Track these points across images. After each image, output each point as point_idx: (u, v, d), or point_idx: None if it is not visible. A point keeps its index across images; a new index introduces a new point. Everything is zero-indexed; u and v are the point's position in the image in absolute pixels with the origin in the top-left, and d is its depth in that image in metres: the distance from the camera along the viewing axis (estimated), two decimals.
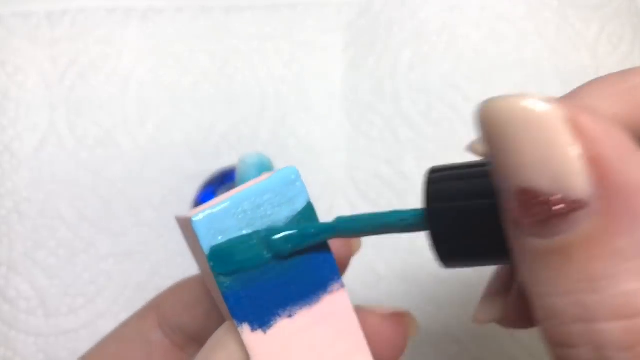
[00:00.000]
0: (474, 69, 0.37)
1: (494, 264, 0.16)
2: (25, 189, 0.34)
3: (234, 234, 0.17)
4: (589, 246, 0.12)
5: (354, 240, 0.21)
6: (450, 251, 0.16)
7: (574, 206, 0.12)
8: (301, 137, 0.36)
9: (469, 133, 0.36)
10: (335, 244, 0.18)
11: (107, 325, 0.33)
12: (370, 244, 0.35)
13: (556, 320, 0.13)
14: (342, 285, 0.18)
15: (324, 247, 0.18)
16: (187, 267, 0.34)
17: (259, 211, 0.17)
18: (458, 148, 0.36)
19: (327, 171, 0.36)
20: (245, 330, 0.17)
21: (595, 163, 0.12)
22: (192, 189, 0.35)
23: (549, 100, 0.12)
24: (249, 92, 0.37)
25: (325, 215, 0.35)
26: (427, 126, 0.36)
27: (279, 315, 0.17)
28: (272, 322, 0.17)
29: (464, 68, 0.37)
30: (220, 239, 0.17)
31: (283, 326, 0.17)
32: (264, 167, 0.31)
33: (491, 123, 0.12)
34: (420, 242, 0.35)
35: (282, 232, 0.17)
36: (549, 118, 0.12)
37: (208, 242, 0.16)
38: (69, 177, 0.35)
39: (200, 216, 0.16)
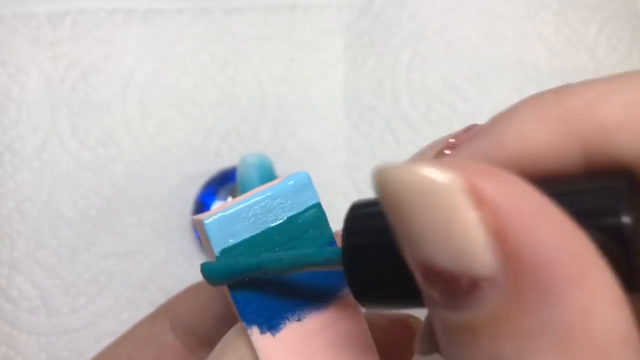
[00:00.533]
0: (474, 70, 0.37)
1: (415, 307, 0.15)
2: (26, 189, 0.34)
3: (245, 237, 0.17)
4: (495, 325, 0.11)
5: None
6: (364, 291, 0.15)
7: (477, 284, 0.11)
8: (301, 137, 0.36)
9: None
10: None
11: (109, 325, 0.33)
12: None
13: None
14: None
15: (333, 251, 0.18)
16: (187, 266, 0.34)
17: (270, 215, 0.17)
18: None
19: (327, 171, 0.36)
20: (254, 332, 0.17)
21: (499, 237, 0.11)
22: (193, 189, 0.35)
23: (447, 166, 0.11)
24: (249, 92, 0.37)
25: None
26: (426, 126, 0.36)
27: (288, 319, 0.17)
28: (281, 326, 0.17)
29: (464, 69, 0.37)
30: (231, 242, 0.17)
31: (292, 330, 0.17)
32: (264, 167, 0.32)
33: (386, 195, 0.11)
34: None
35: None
36: (445, 188, 0.11)
37: (219, 244, 0.17)
38: (70, 177, 0.35)
39: (212, 219, 0.17)
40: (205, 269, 0.17)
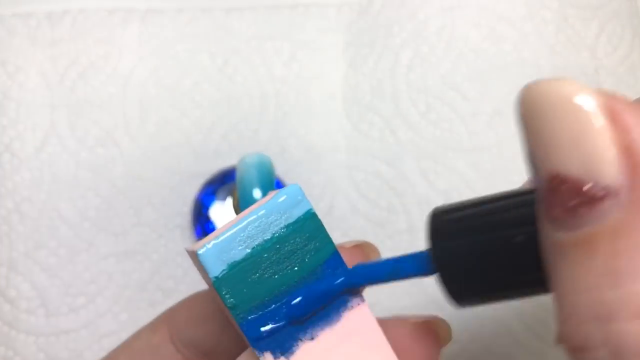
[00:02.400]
0: (474, 69, 0.37)
1: (512, 298, 0.15)
2: (25, 189, 0.34)
3: (241, 260, 0.16)
4: (614, 239, 0.11)
5: (372, 255, 0.20)
6: (462, 294, 0.15)
7: (603, 194, 0.11)
8: (301, 137, 0.36)
9: (469, 133, 0.36)
10: (354, 262, 0.18)
11: (108, 325, 0.33)
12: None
13: (574, 320, 0.12)
14: (363, 300, 0.17)
15: (340, 264, 0.17)
16: (187, 266, 0.34)
17: (266, 234, 0.16)
18: (458, 148, 0.36)
19: (327, 171, 0.36)
20: (267, 359, 0.16)
21: (628, 152, 0.11)
22: (193, 189, 0.35)
23: (586, 87, 0.12)
24: (249, 92, 0.37)
25: (325, 215, 0.35)
26: (426, 126, 0.36)
27: (301, 339, 0.16)
28: (294, 348, 0.16)
29: (464, 68, 0.37)
30: (228, 269, 0.16)
31: (307, 350, 0.16)
32: (264, 167, 0.32)
33: (527, 106, 0.12)
34: (420, 242, 0.35)
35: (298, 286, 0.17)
36: (584, 102, 0.12)
37: (215, 272, 0.16)
38: (69, 177, 0.35)
39: (205, 248, 0.16)
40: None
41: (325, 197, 0.35)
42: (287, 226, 0.17)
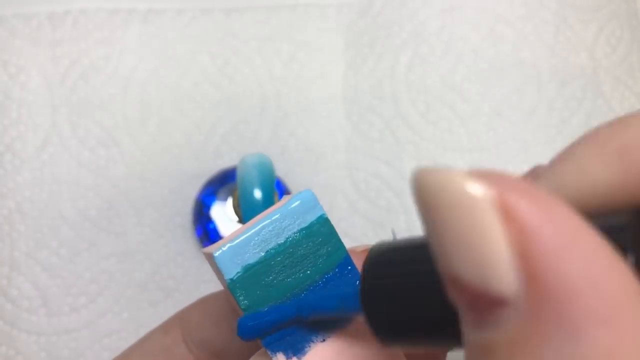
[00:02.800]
0: (473, 70, 0.37)
1: (440, 347, 0.15)
2: (27, 189, 0.34)
3: (255, 263, 0.17)
4: (512, 351, 0.10)
5: None
6: (388, 335, 0.15)
7: (497, 303, 0.10)
8: (301, 137, 0.36)
9: (468, 133, 0.36)
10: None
11: (109, 325, 0.33)
12: (370, 243, 0.35)
13: None
14: None
15: (350, 267, 0.18)
16: (188, 266, 0.34)
17: (279, 238, 0.17)
18: (457, 148, 0.36)
19: (327, 171, 0.36)
20: (280, 359, 0.17)
21: (524, 258, 0.10)
22: (193, 189, 0.35)
23: (482, 177, 0.10)
24: (249, 92, 0.37)
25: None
26: (426, 126, 0.36)
27: (313, 341, 0.17)
28: (306, 349, 0.17)
29: (463, 69, 0.37)
30: (243, 271, 0.17)
31: (318, 352, 0.17)
32: (264, 167, 0.32)
33: (419, 196, 0.11)
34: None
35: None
36: (475, 199, 0.10)
37: (230, 274, 0.17)
38: (70, 177, 0.35)
39: (221, 251, 0.17)
40: (240, 325, 0.17)
41: (325, 197, 0.36)
42: (300, 231, 0.17)
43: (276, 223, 0.17)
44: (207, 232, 0.34)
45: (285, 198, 0.18)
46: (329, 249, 0.17)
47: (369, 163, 0.36)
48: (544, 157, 0.36)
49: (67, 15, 0.37)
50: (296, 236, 0.17)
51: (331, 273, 0.17)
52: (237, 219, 0.33)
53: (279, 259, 0.17)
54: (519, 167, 0.36)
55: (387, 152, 0.36)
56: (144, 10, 0.37)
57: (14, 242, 0.34)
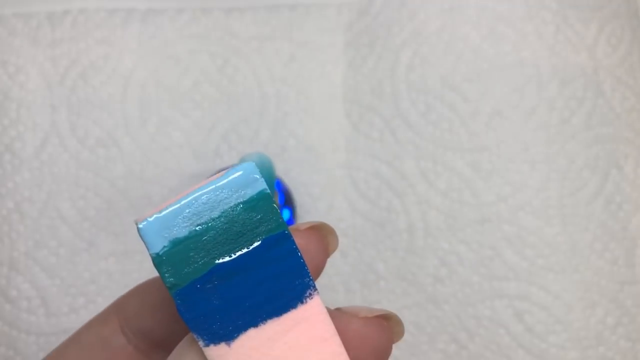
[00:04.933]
0: (473, 70, 0.37)
1: None
2: (26, 189, 0.34)
3: (185, 237, 0.15)
4: None
5: (330, 238, 0.19)
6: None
7: None
8: (301, 137, 0.36)
9: (468, 133, 0.36)
10: (309, 245, 0.17)
11: None
12: (370, 243, 0.35)
13: None
14: (315, 289, 0.16)
15: (291, 248, 0.16)
16: None
17: (214, 212, 0.15)
18: (457, 148, 0.36)
19: (327, 171, 0.36)
20: (206, 343, 0.15)
21: None
22: None
23: None
24: (249, 92, 0.37)
25: (325, 215, 0.35)
26: (426, 126, 0.36)
27: (244, 326, 0.15)
28: (236, 334, 0.15)
29: (463, 69, 0.37)
30: (170, 246, 0.15)
31: (249, 337, 0.15)
32: (264, 167, 0.32)
33: None
34: (420, 242, 0.35)
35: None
36: None
37: (156, 249, 0.15)
38: (69, 177, 0.35)
39: (146, 222, 0.15)
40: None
41: (325, 197, 0.36)
42: (237, 205, 0.15)
43: (211, 194, 0.15)
44: None
45: (224, 170, 0.16)
46: (269, 227, 0.15)
47: (369, 163, 0.36)
48: (544, 157, 0.36)
49: (66, 15, 0.37)
50: (233, 211, 0.15)
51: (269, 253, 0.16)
52: None
53: (211, 234, 0.15)
54: (519, 167, 0.36)
55: (387, 152, 0.36)
56: (144, 10, 0.37)
57: (13, 242, 0.34)
